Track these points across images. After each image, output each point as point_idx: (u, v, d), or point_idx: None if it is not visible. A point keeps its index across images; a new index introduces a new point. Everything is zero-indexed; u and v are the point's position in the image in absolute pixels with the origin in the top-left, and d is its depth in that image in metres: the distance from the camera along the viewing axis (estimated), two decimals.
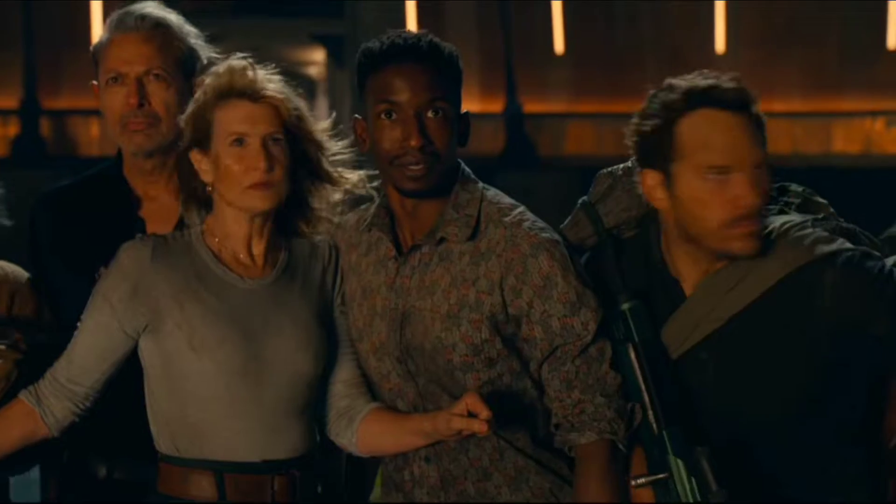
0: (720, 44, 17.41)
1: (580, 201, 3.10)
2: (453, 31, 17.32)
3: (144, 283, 2.88)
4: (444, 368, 2.71)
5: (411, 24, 16.94)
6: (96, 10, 16.58)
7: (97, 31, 16.65)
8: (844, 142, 17.19)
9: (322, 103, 18.75)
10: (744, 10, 17.37)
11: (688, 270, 2.92)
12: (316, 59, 18.44)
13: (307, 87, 20.51)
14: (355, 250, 2.87)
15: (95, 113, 18.31)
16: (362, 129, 2.82)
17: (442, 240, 2.75)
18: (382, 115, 2.71)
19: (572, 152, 17.24)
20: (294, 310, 2.86)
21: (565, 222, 3.17)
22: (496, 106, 16.60)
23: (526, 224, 2.78)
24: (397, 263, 2.76)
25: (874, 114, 17.10)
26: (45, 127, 16.20)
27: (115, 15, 3.56)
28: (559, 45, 17.37)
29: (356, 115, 2.95)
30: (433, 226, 2.77)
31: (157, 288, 2.85)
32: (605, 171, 3.10)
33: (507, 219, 2.80)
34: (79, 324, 2.96)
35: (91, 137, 16.78)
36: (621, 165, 3.19)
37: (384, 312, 2.76)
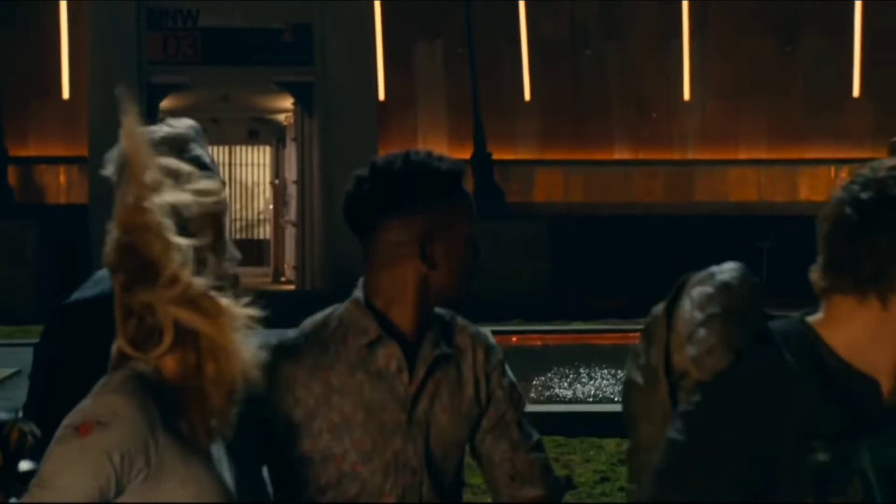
0: (686, 93, 17.54)
1: None
2: (422, 80, 17.39)
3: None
4: (448, 465, 2.68)
5: (380, 74, 16.99)
6: (65, 59, 16.56)
7: (66, 80, 16.61)
8: (809, 190, 17.31)
9: (291, 149, 18.73)
10: (710, 60, 17.53)
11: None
12: (284, 107, 18.44)
13: (277, 133, 20.51)
14: (331, 371, 2.57)
15: (63, 161, 18.14)
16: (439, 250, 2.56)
17: (440, 344, 2.66)
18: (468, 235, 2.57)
19: (541, 199, 17.29)
20: None
21: None
22: (465, 153, 16.63)
23: (460, 318, 2.74)
24: (403, 374, 2.62)
25: (839, 162, 17.23)
26: (12, 175, 16.12)
27: None
28: (527, 93, 17.46)
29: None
30: (425, 331, 2.65)
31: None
32: None
33: (453, 315, 2.75)
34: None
35: (59, 185, 16.70)
36: None
37: (397, 427, 2.62)
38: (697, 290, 2.18)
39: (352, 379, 2.55)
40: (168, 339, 2.13)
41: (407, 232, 2.48)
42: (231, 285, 2.26)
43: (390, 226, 2.49)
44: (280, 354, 2.54)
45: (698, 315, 2.14)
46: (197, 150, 2.98)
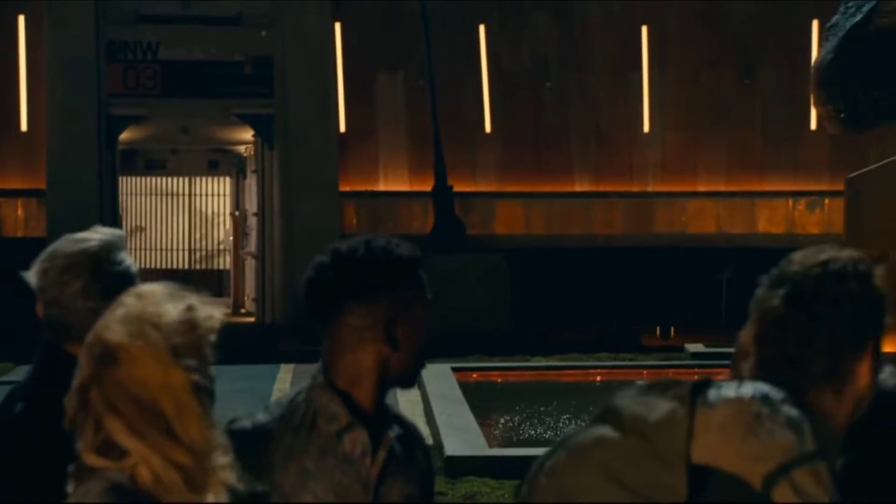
0: (646, 125, 17.64)
1: None
2: (383, 112, 17.41)
3: None
4: None
5: (341, 107, 16.99)
6: (23, 91, 16.46)
7: (24, 112, 16.50)
8: (768, 222, 17.43)
9: (252, 181, 18.68)
10: (669, 92, 17.64)
11: None
12: (245, 138, 18.41)
13: (237, 164, 20.45)
14: (305, 455, 2.60)
15: (21, 194, 17.97)
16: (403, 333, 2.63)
17: (395, 426, 2.71)
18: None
19: (501, 232, 17.31)
20: None
21: None
22: (425, 185, 16.66)
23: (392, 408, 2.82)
24: (367, 458, 2.60)
25: (797, 194, 17.37)
26: None
27: None
28: (488, 125, 17.50)
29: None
30: (382, 411, 2.71)
31: None
32: None
33: None
34: None
35: (17, 218, 16.56)
36: None
37: None
38: None
39: (323, 463, 2.60)
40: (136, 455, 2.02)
41: (371, 316, 2.55)
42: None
43: (354, 310, 2.55)
44: (256, 438, 2.58)
45: None
46: (127, 260, 3.07)
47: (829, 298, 2.05)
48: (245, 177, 19.72)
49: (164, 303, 2.13)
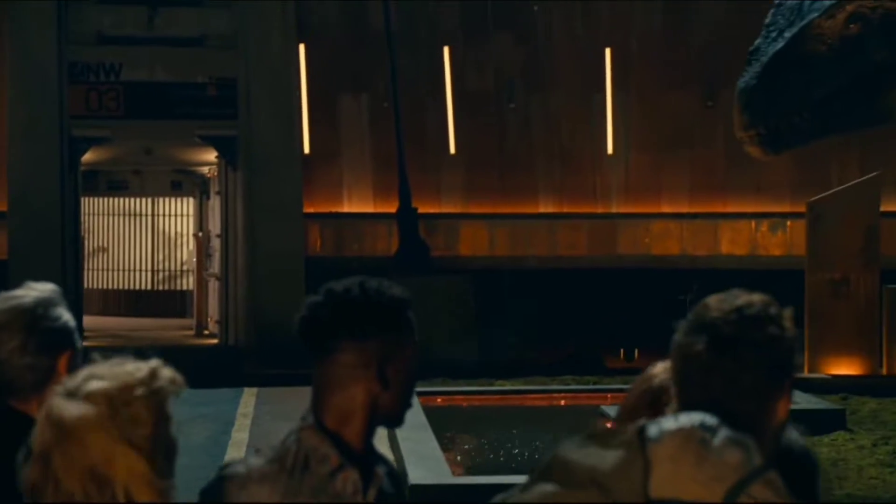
0: (610, 146, 17.70)
1: None
2: (347, 134, 17.39)
3: None
4: None
5: (305, 128, 16.97)
6: None
7: None
8: (731, 243, 17.50)
9: (216, 202, 18.61)
10: (633, 114, 17.72)
11: None
12: (208, 159, 18.35)
13: (200, 185, 20.38)
14: (299, 495, 2.66)
15: None
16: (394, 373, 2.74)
17: (382, 463, 2.81)
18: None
19: (466, 253, 17.31)
20: None
21: None
22: (390, 206, 16.65)
23: None
24: (359, 495, 2.68)
25: (759, 216, 17.46)
26: None
27: None
28: (452, 146, 17.52)
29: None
30: (370, 449, 2.79)
31: None
32: None
33: None
34: None
35: None
36: None
37: None
38: None
39: (317, 503, 2.67)
40: None
41: (364, 355, 2.63)
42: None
43: (347, 349, 2.64)
44: (253, 482, 2.64)
45: None
46: (64, 316, 3.08)
47: (750, 342, 2.13)
48: (208, 198, 19.65)
49: (121, 376, 2.17)
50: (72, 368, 2.97)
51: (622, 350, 15.64)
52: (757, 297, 2.20)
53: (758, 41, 11.01)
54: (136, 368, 2.20)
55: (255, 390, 12.79)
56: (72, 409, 2.12)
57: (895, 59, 10.84)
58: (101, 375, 2.18)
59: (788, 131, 10.88)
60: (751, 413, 2.14)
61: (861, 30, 10.66)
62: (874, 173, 11.86)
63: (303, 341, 2.70)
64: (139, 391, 2.15)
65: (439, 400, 11.40)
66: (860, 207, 11.55)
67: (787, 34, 10.60)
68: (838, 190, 11.63)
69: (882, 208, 12.29)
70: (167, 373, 2.20)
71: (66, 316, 3.09)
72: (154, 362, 2.22)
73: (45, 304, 3.08)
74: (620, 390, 12.08)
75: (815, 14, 10.56)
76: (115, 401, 2.13)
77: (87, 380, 2.16)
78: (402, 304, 2.70)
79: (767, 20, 11.05)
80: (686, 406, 2.16)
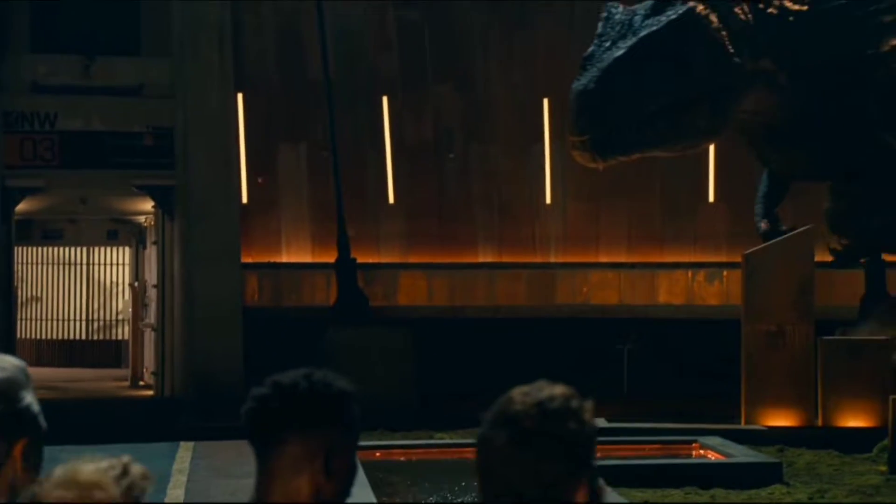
0: (548, 196, 17.78)
1: None
2: (285, 183, 17.33)
3: None
4: None
5: (243, 178, 16.88)
6: None
7: None
8: (668, 293, 17.60)
9: (152, 252, 18.45)
10: (571, 164, 17.79)
11: None
12: (145, 208, 18.20)
13: (137, 234, 20.20)
14: None
15: None
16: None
17: None
18: None
19: (405, 303, 17.26)
20: None
21: None
22: (328, 257, 16.58)
23: None
24: None
25: (696, 266, 17.58)
26: None
27: None
28: (391, 196, 17.51)
29: None
30: None
31: None
32: None
33: None
34: None
35: None
36: None
37: None
38: None
39: None
40: None
41: (310, 447, 2.64)
42: None
43: (294, 441, 2.65)
44: None
45: None
46: (27, 399, 2.95)
47: (551, 436, 2.20)
48: (145, 247, 19.48)
49: (93, 479, 2.12)
50: (30, 455, 2.89)
51: None
52: (559, 391, 2.26)
53: (591, 48, 11.21)
54: (103, 473, 2.13)
55: (191, 444, 12.61)
56: None
57: (715, 83, 11.06)
58: (71, 482, 2.10)
59: (619, 140, 11.12)
60: None
61: (687, 52, 10.93)
62: (808, 226, 12.00)
63: (248, 432, 2.69)
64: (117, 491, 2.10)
65: (378, 454, 11.31)
66: (795, 259, 11.67)
67: (623, 44, 10.83)
68: (773, 242, 11.75)
69: (816, 259, 12.44)
70: (138, 470, 2.15)
71: (28, 399, 3.00)
72: (124, 460, 2.16)
73: (6, 385, 2.92)
74: None
75: (654, 27, 10.79)
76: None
77: (56, 487, 2.08)
78: (349, 397, 2.72)
79: (599, 31, 11.28)
80: (488, 497, 2.22)
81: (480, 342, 16.66)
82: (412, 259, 17.48)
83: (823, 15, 11.43)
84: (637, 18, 11.02)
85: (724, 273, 17.26)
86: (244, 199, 16.80)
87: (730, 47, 11.10)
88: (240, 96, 16.82)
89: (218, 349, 15.32)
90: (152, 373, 17.94)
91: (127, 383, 19.38)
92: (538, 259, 17.71)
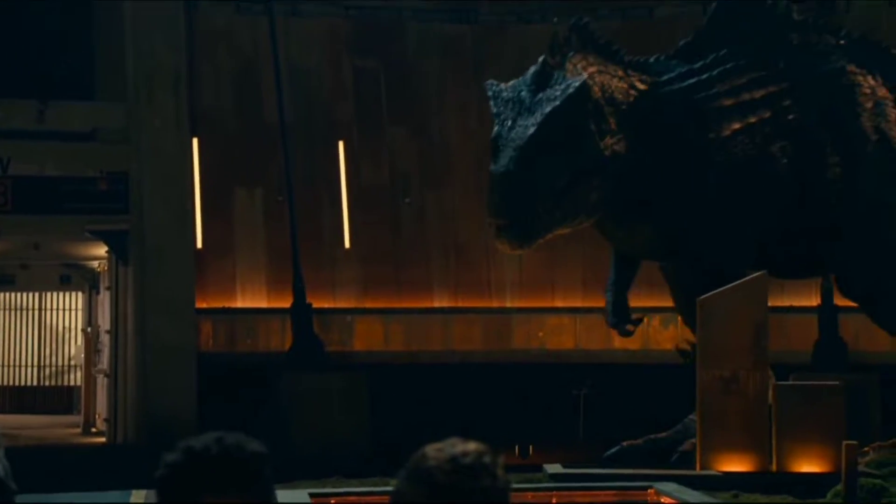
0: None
1: None
2: (241, 228, 17.27)
3: None
4: None
5: (198, 223, 16.80)
6: None
7: None
8: (623, 338, 17.61)
9: (105, 297, 18.32)
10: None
11: None
12: (99, 254, 18.08)
13: (90, 279, 20.06)
14: None
15: None
16: None
17: None
18: None
19: (360, 348, 17.21)
20: None
21: None
22: (284, 302, 16.51)
23: None
24: None
25: (651, 310, 17.63)
26: None
27: None
28: (347, 241, 17.50)
29: None
30: None
31: None
32: None
33: None
34: None
35: None
36: None
37: None
38: None
39: None
40: None
41: None
42: None
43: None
44: None
45: None
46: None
47: (464, 491, 2.24)
48: (98, 292, 19.36)
49: None
50: None
51: (517, 446, 15.60)
52: (472, 447, 2.31)
53: (496, 129, 11.24)
54: None
55: (143, 492, 12.48)
56: None
57: (603, 155, 11.17)
58: None
59: (540, 222, 11.18)
60: None
61: (583, 125, 11.08)
62: (761, 272, 12.09)
63: (161, 499, 2.68)
64: None
65: (333, 502, 11.24)
66: (748, 305, 11.74)
67: (525, 121, 10.87)
68: (727, 287, 11.81)
69: (769, 303, 12.52)
70: None
71: (2, 462, 2.96)
72: None
73: None
74: (515, 490, 12.03)
75: (555, 103, 10.87)
76: None
77: None
78: (262, 460, 2.71)
79: (494, 111, 11.35)
80: None
81: (436, 387, 16.62)
82: (368, 304, 17.45)
83: (665, 96, 11.46)
84: (525, 94, 11.13)
85: (679, 318, 17.31)
86: (199, 244, 16.72)
87: (612, 120, 11.26)
88: (195, 141, 16.78)
89: (172, 395, 15.20)
90: (104, 419, 17.77)
91: (79, 430, 19.19)
92: (494, 304, 17.72)
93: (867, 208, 12.08)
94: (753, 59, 11.82)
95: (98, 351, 19.13)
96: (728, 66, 11.67)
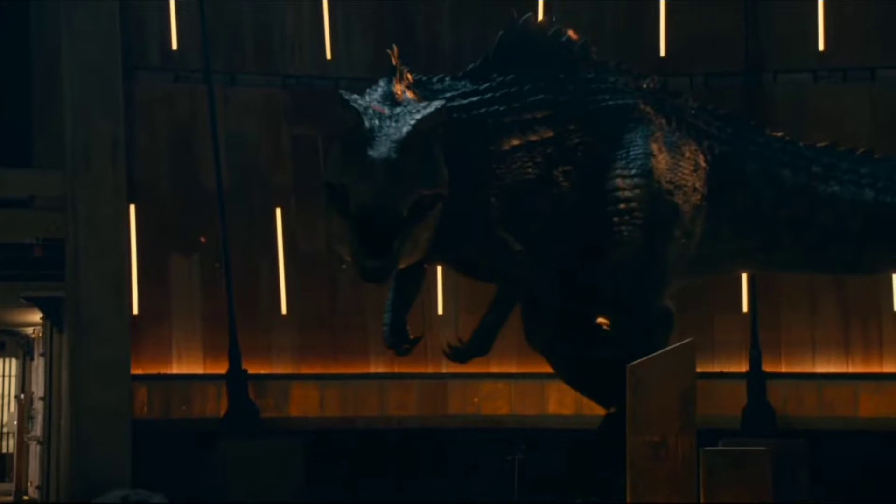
0: (440, 307, 17.98)
1: None
2: (177, 294, 17.30)
3: None
4: None
5: (134, 289, 16.81)
6: None
7: None
8: (558, 404, 17.80)
9: (39, 364, 18.27)
10: (461, 275, 18.05)
11: None
12: (33, 320, 18.05)
13: (24, 346, 19.98)
14: None
15: None
16: None
17: None
18: None
19: (296, 414, 17.25)
20: None
21: None
22: (220, 368, 16.56)
23: None
24: None
25: None
26: None
27: None
28: (283, 307, 17.58)
29: None
30: None
31: None
32: None
33: None
34: None
35: None
36: None
37: None
38: None
39: None
40: None
41: None
42: None
43: None
44: None
45: None
46: None
47: None
48: (32, 359, 19.30)
49: None
50: None
51: None
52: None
53: (367, 123, 10.53)
54: None
55: None
56: None
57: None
58: None
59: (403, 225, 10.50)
60: None
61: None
62: (689, 339, 12.33)
63: None
64: None
65: None
66: (677, 371, 11.93)
67: (396, 123, 10.45)
68: (657, 354, 12.02)
69: (698, 370, 12.75)
70: None
71: None
72: None
73: None
74: None
75: (419, 115, 10.48)
76: None
77: None
78: None
79: (358, 108, 10.63)
80: None
81: (372, 452, 16.69)
82: (304, 370, 17.52)
83: (452, 111, 11.11)
84: (383, 106, 10.84)
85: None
86: (135, 311, 16.74)
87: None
88: (132, 207, 16.85)
89: (105, 462, 15.15)
90: (37, 487, 17.66)
91: (10, 498, 19.04)
92: (430, 369, 17.84)
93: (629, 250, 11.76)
94: (541, 84, 11.58)
95: (31, 418, 19.04)
96: (513, 88, 11.44)
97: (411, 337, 12.48)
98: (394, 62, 11.03)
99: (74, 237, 16.16)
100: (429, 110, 10.66)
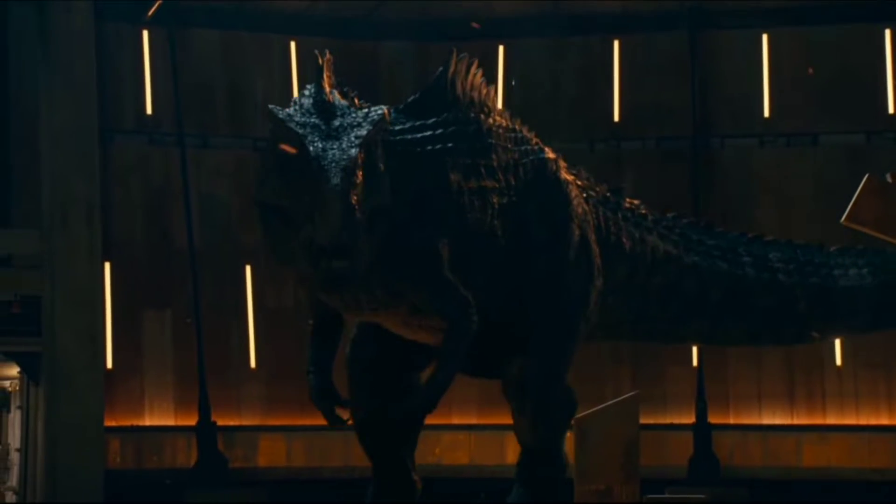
0: None
1: None
2: (150, 349, 17.75)
3: None
4: None
5: (108, 344, 17.27)
6: None
7: None
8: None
9: (16, 417, 18.68)
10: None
11: None
12: (10, 374, 18.49)
13: (1, 400, 20.31)
14: None
15: None
16: None
17: None
18: None
19: (264, 464, 17.67)
20: None
21: None
22: (190, 420, 17.03)
23: None
24: None
25: None
26: None
27: None
28: (253, 361, 18.04)
29: None
30: None
31: None
32: None
33: None
34: None
35: None
36: None
37: None
38: None
39: None
40: None
41: None
42: None
43: None
44: None
45: None
46: None
47: None
48: (9, 411, 19.67)
49: None
50: None
51: None
52: None
53: (311, 149, 9.03)
54: None
55: None
56: None
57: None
58: None
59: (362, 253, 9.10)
60: None
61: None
62: (634, 392, 12.86)
63: None
64: None
65: None
66: (621, 423, 12.45)
67: (339, 145, 9.40)
68: (602, 407, 12.52)
69: (642, 421, 13.28)
70: None
71: None
72: None
73: None
74: None
75: (363, 130, 9.37)
76: None
77: None
78: None
79: (298, 132, 9.74)
80: None
81: (337, 502, 17.11)
82: (272, 421, 17.94)
83: (392, 145, 9.98)
84: (317, 121, 9.40)
85: (568, 434, 18.05)
86: (109, 365, 17.20)
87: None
88: (107, 265, 17.33)
89: None
90: None
91: None
92: None
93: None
94: (484, 129, 10.71)
95: (7, 468, 19.40)
96: (462, 127, 10.53)
97: (343, 398, 10.57)
98: (320, 62, 9.63)
99: (51, 294, 16.61)
100: (370, 126, 9.40)
